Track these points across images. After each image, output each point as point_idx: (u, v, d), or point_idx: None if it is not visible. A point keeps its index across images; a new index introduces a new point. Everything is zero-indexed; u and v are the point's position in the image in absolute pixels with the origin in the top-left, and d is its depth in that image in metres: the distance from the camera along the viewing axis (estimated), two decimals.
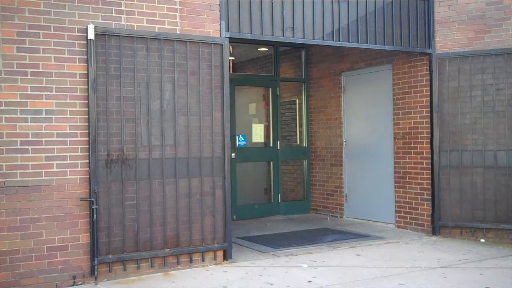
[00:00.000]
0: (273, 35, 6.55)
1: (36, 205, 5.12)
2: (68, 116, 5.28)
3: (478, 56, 7.32)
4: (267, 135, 9.74)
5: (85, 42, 5.34)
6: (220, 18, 6.11)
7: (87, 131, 5.35)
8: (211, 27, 6.06)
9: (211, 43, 6.02)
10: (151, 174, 5.69)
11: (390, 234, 7.75)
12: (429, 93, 7.66)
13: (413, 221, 7.94)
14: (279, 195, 9.79)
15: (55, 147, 5.23)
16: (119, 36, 5.52)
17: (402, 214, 8.15)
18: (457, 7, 7.47)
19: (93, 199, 5.31)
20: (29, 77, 5.11)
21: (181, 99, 5.88)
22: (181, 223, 5.84)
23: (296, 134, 10.21)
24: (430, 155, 7.64)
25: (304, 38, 6.77)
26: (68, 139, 5.28)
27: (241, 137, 9.06)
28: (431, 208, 7.64)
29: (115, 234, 5.50)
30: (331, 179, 9.50)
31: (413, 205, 7.94)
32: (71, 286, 5.26)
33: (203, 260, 6.00)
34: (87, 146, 5.35)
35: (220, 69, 6.09)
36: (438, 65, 7.55)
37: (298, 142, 10.21)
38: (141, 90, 5.66)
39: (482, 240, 7.24)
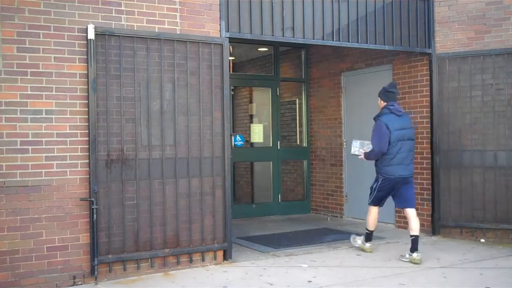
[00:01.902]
0: (273, 35, 6.55)
1: (36, 205, 5.12)
2: (68, 116, 5.28)
3: (478, 56, 7.32)
4: (267, 135, 9.73)
5: (85, 42, 5.34)
6: (220, 18, 6.11)
7: (87, 131, 5.35)
8: (211, 27, 6.06)
9: (211, 43, 6.02)
10: (151, 174, 5.69)
11: (390, 234, 7.75)
12: (429, 93, 7.66)
13: None
14: (279, 195, 9.79)
15: (55, 147, 5.23)
16: (119, 36, 5.52)
17: (402, 214, 8.10)
18: (457, 7, 7.46)
19: (93, 199, 5.31)
20: (29, 77, 5.11)
21: (181, 99, 5.88)
22: (181, 223, 5.84)
23: (296, 134, 10.21)
24: (430, 155, 7.64)
25: (304, 38, 6.77)
26: (68, 139, 5.28)
27: (238, 137, 9.06)
28: (431, 208, 7.64)
29: (115, 234, 5.50)
30: (331, 179, 9.50)
31: None
32: (71, 286, 5.26)
33: (203, 260, 6.00)
34: (87, 146, 5.35)
35: (220, 69, 6.09)
36: (438, 65, 7.54)
37: (298, 142, 10.21)
38: (141, 90, 5.66)
39: (482, 240, 7.24)
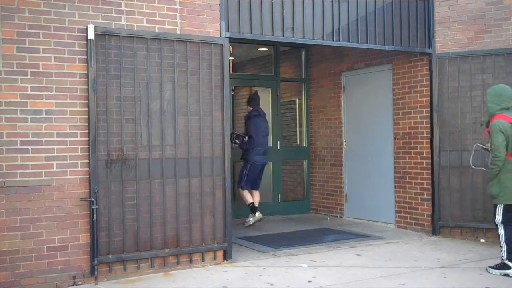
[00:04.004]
0: (273, 35, 6.55)
1: (36, 205, 5.12)
2: (68, 116, 5.28)
3: (478, 56, 7.32)
4: None
5: (85, 42, 5.34)
6: (220, 18, 6.11)
7: (87, 131, 5.35)
8: (211, 27, 6.06)
9: (211, 43, 6.02)
10: (151, 174, 5.69)
11: (390, 234, 7.75)
12: (429, 93, 7.66)
13: (413, 221, 7.94)
14: (279, 195, 9.78)
15: (55, 147, 5.22)
16: (119, 36, 5.52)
17: (402, 214, 8.15)
18: (457, 7, 7.46)
19: (93, 199, 5.31)
20: (29, 77, 5.11)
21: (181, 99, 5.88)
22: (181, 223, 5.84)
23: (296, 134, 10.20)
24: (430, 155, 7.64)
25: (304, 38, 6.77)
26: (68, 139, 5.28)
27: None
28: (431, 208, 7.64)
29: (115, 234, 5.50)
30: (331, 179, 9.50)
31: (413, 205, 7.94)
32: (71, 286, 5.26)
33: (203, 260, 6.00)
34: (87, 146, 5.35)
35: (220, 69, 6.09)
36: (438, 65, 7.54)
37: (298, 142, 10.20)
38: (141, 90, 5.66)
39: (482, 240, 7.24)
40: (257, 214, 8.40)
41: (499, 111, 5.64)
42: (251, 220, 8.40)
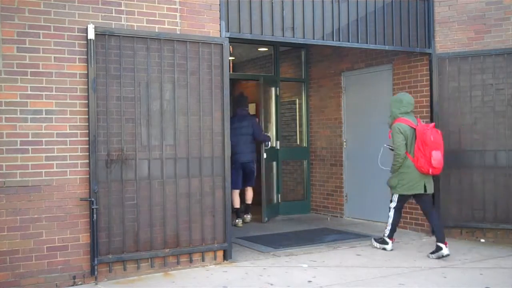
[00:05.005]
0: (273, 35, 6.55)
1: (36, 205, 5.12)
2: (68, 116, 5.28)
3: (478, 56, 7.32)
4: None
5: (85, 42, 5.34)
6: (220, 18, 6.11)
7: (87, 131, 5.35)
8: (211, 27, 6.06)
9: (211, 43, 6.02)
10: (151, 174, 5.69)
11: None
12: (429, 93, 7.65)
13: (413, 221, 7.94)
14: (279, 195, 9.78)
15: (55, 147, 5.22)
16: (119, 36, 5.52)
17: (402, 215, 8.12)
18: (457, 7, 7.46)
19: (93, 199, 5.31)
20: (29, 77, 5.11)
21: (181, 99, 5.88)
22: (181, 223, 5.84)
23: (296, 134, 10.20)
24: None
25: (304, 38, 6.77)
26: (68, 139, 5.28)
27: None
28: None
29: (115, 234, 5.50)
30: (331, 179, 9.50)
31: (413, 205, 7.90)
32: (71, 286, 5.26)
33: (203, 260, 6.00)
34: (87, 146, 5.35)
35: (220, 69, 6.09)
36: (438, 65, 7.54)
37: (298, 142, 10.20)
38: (141, 90, 5.66)
39: (482, 240, 7.24)
40: (237, 220, 8.53)
41: (400, 115, 6.51)
42: (239, 221, 8.59)
